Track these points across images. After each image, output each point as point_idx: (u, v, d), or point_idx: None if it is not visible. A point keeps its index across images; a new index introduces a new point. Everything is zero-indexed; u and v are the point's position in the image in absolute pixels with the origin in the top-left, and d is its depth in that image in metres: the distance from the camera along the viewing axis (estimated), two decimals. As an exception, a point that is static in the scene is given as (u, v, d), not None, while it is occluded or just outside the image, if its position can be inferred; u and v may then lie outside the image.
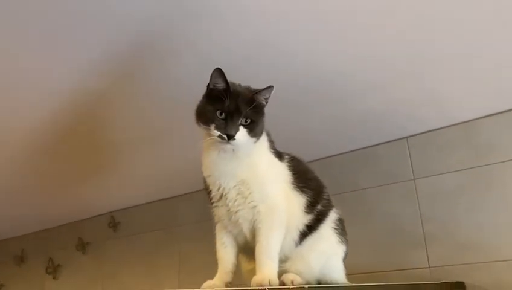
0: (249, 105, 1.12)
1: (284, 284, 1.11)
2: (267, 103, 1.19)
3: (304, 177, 1.25)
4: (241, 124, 1.12)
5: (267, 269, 1.08)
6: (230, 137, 1.10)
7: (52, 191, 2.54)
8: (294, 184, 1.22)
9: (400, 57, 1.46)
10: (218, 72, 1.13)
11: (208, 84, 1.16)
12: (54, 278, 3.15)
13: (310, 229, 1.22)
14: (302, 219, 1.21)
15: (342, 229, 1.29)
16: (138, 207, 2.84)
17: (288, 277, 1.13)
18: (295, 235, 1.20)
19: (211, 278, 1.16)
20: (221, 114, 1.11)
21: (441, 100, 1.69)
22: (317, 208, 1.24)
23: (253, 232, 1.15)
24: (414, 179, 1.90)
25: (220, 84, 1.13)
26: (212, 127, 1.11)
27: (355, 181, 2.03)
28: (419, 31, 1.34)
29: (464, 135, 1.81)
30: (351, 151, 2.07)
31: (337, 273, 1.27)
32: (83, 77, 1.52)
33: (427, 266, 1.79)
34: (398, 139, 1.96)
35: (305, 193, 1.23)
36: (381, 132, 1.93)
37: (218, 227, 1.22)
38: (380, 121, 1.83)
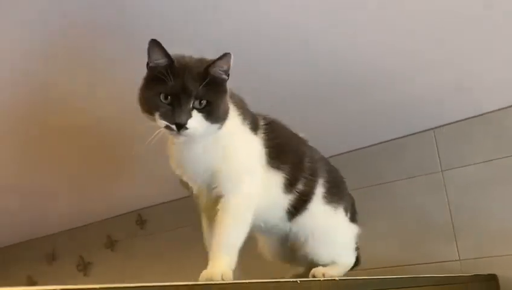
0: (201, 81, 0.90)
1: (314, 277, 1.11)
2: (228, 76, 0.95)
3: (282, 151, 1.10)
4: (194, 108, 0.90)
5: (221, 263, 0.95)
6: (180, 126, 0.88)
7: (81, 191, 2.59)
8: (269, 162, 1.07)
9: (425, 46, 1.43)
10: (155, 45, 0.91)
11: (147, 63, 0.94)
12: (84, 276, 3.21)
13: (297, 209, 1.13)
14: (283, 200, 1.11)
15: (335, 192, 1.20)
16: (165, 205, 2.86)
17: (319, 270, 1.13)
18: (281, 214, 1.13)
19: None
20: (165, 98, 0.90)
21: (469, 89, 1.66)
22: (298, 188, 1.12)
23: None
24: (442, 171, 1.87)
25: (161, 60, 0.92)
26: (157, 115, 0.91)
27: (382, 174, 2.01)
28: (446, 18, 1.32)
29: (493, 125, 1.77)
30: (377, 144, 2.05)
31: (345, 245, 1.24)
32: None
33: (458, 258, 1.76)
34: (424, 131, 1.93)
35: (281, 170, 1.09)
36: (407, 123, 1.91)
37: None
38: (406, 112, 1.81)
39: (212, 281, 0.86)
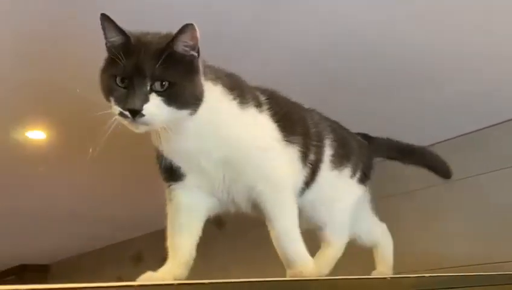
0: (158, 59, 0.76)
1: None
2: (197, 52, 0.81)
3: (289, 122, 0.99)
4: (152, 91, 0.76)
5: (301, 258, 0.90)
6: (135, 113, 0.75)
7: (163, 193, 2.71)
8: (283, 136, 0.96)
9: (500, 34, 1.37)
10: (106, 20, 0.78)
11: (106, 43, 0.81)
12: (168, 276, 3.35)
13: (307, 184, 1.04)
14: (299, 176, 1.01)
15: (342, 151, 1.10)
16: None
17: (379, 271, 1.13)
18: (296, 193, 1.02)
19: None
20: (122, 81, 0.77)
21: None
22: (310, 159, 1.02)
23: (256, 207, 0.94)
24: (531, 162, 1.77)
25: (115, 38, 0.79)
26: (112, 101, 0.78)
27: (464, 168, 1.93)
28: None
29: None
30: (458, 136, 1.98)
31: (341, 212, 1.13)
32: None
33: (552, 255, 1.66)
34: (509, 120, 1.84)
35: (295, 143, 0.99)
36: (489, 113, 1.84)
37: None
38: (487, 101, 1.74)
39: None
